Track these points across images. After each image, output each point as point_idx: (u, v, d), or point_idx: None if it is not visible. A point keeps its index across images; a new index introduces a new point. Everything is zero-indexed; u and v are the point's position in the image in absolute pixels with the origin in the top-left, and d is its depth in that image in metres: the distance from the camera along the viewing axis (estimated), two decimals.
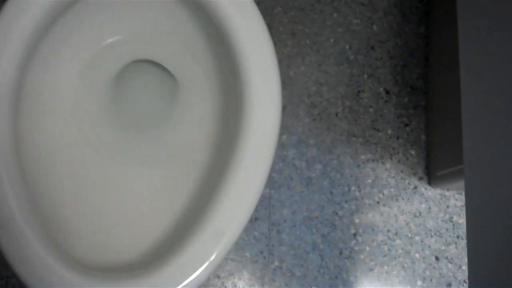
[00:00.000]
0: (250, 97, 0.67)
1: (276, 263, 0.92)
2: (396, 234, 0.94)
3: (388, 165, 0.96)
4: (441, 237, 0.95)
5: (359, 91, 0.98)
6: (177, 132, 0.80)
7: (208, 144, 0.79)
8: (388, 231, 0.94)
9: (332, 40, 0.99)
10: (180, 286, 0.61)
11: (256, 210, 0.92)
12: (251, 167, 0.66)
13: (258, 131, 0.67)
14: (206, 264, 0.63)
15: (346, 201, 0.94)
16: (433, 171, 0.95)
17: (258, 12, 0.70)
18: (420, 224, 0.95)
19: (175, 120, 0.81)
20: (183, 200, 0.76)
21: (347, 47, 0.99)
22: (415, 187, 0.96)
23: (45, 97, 0.75)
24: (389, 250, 0.94)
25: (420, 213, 0.95)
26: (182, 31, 0.79)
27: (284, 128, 0.95)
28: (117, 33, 0.80)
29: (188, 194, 0.77)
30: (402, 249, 0.94)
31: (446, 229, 0.95)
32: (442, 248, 0.95)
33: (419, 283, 0.93)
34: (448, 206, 0.95)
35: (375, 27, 1.00)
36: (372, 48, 0.99)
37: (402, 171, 0.96)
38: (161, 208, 0.76)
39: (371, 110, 0.97)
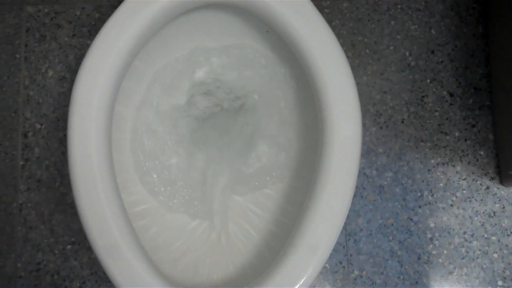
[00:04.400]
0: (330, 109, 0.69)
1: (356, 272, 0.93)
2: (472, 235, 0.95)
3: (458, 168, 0.96)
4: None
5: (423, 96, 0.98)
6: (255, 154, 0.82)
7: (289, 161, 0.82)
8: (464, 233, 0.95)
9: (392, 47, 1.00)
10: None
11: None
12: (338, 183, 0.67)
13: (342, 147, 0.68)
14: (303, 279, 0.65)
15: (419, 207, 0.95)
16: (504, 170, 0.95)
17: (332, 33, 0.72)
18: (495, 224, 0.95)
19: (253, 145, 0.83)
20: (270, 217, 0.78)
21: (407, 53, 1.00)
22: (488, 187, 0.96)
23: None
24: (466, 252, 0.94)
25: (494, 213, 0.95)
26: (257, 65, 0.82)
27: None
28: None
29: (274, 212, 0.79)
30: (480, 250, 0.94)
31: None
32: None
33: (500, 283, 0.93)
34: None
35: (433, 31, 1.00)
36: (432, 52, 1.00)
37: (473, 173, 0.96)
38: (248, 226, 0.79)
39: (437, 114, 0.98)
